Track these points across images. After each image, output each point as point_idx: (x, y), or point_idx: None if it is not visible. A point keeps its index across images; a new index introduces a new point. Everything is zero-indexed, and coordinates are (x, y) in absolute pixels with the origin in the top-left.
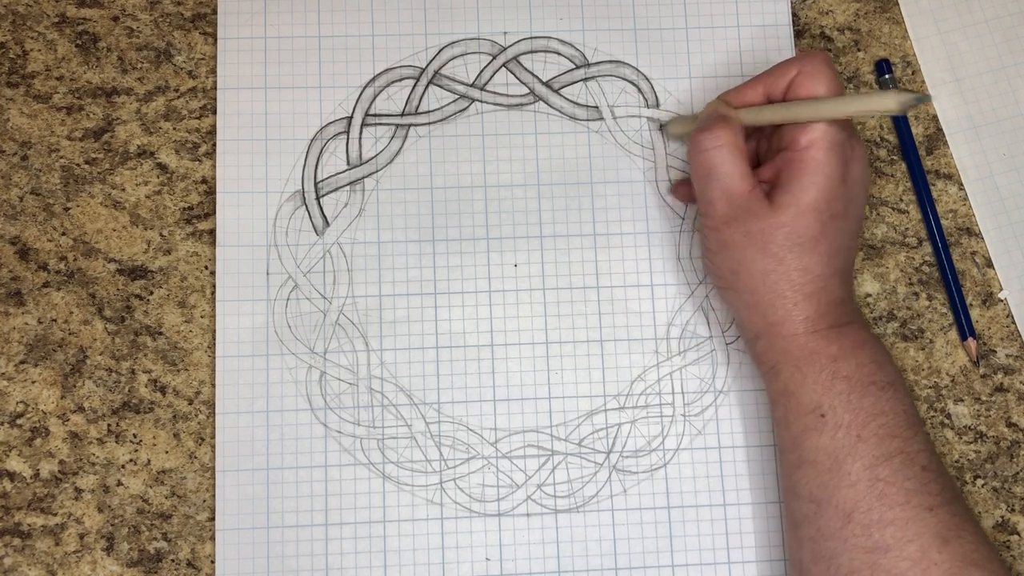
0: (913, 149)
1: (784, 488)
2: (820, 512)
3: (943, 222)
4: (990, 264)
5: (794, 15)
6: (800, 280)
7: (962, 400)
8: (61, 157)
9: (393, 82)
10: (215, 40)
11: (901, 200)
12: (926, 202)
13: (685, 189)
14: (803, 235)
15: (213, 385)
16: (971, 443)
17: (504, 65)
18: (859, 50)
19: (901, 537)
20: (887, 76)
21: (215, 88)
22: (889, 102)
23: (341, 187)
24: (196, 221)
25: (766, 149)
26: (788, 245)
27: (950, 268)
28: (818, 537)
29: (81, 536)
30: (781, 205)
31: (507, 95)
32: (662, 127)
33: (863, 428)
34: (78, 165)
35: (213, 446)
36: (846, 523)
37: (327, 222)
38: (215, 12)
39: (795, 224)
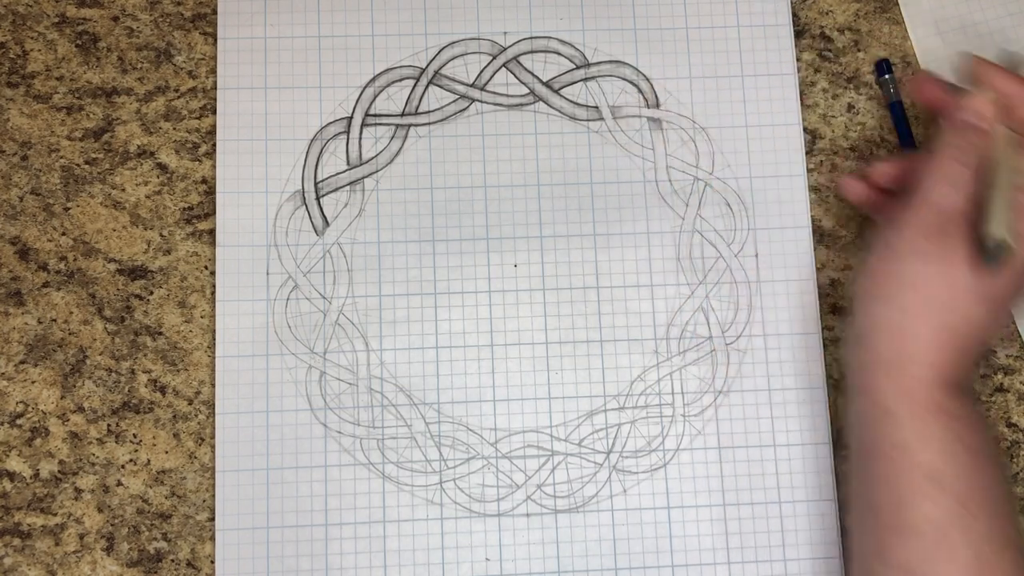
0: (913, 149)
1: (865, 551)
2: None
3: None
4: None
5: (794, 15)
6: (963, 327)
7: None
8: (61, 157)
9: (393, 82)
10: (215, 40)
11: None
12: None
13: (860, 189)
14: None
15: (213, 385)
16: None
17: (504, 65)
18: (859, 50)
19: None
20: (887, 76)
21: (215, 88)
22: None
23: (341, 187)
24: (196, 221)
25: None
26: (1004, 298)
27: None
28: None
29: (81, 536)
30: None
31: (507, 95)
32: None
33: (973, 502)
34: (78, 165)
35: (213, 446)
36: None
37: (327, 222)
38: (215, 12)
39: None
